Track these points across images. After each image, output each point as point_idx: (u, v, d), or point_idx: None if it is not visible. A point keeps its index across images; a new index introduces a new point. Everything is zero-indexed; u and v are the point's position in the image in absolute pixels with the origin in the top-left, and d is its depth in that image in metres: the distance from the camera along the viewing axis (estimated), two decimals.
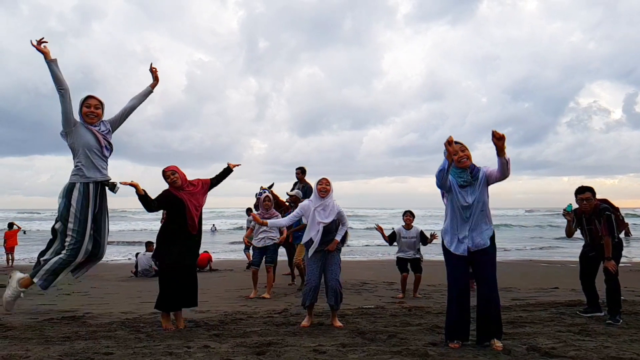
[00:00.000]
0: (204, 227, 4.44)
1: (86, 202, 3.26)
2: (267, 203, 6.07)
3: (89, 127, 3.35)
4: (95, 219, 3.37)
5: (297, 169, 7.60)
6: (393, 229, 6.44)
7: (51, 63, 3.22)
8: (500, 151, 3.15)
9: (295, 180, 7.66)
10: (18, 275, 3.32)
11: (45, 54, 3.26)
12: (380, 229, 6.12)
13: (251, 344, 3.44)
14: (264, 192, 6.85)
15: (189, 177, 4.28)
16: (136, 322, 4.33)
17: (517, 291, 6.64)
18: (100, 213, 3.43)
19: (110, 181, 3.49)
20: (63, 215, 3.30)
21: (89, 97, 3.42)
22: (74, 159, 3.38)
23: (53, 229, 3.51)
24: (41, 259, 3.33)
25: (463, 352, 3.20)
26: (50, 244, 3.49)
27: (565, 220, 4.74)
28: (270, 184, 7.22)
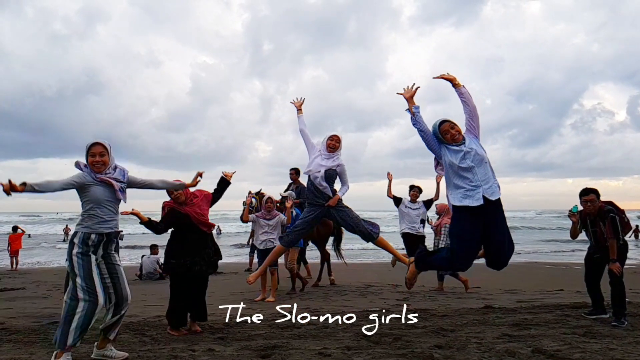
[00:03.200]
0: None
1: (86, 253, 3.06)
2: (269, 205, 6.08)
3: (98, 177, 3.11)
4: (107, 267, 3.16)
5: (291, 169, 7.60)
6: (401, 197, 6.50)
7: (27, 191, 2.93)
8: (454, 82, 3.40)
9: (290, 181, 7.66)
10: None
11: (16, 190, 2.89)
12: (390, 178, 6.17)
13: (256, 347, 3.44)
14: (253, 199, 6.86)
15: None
16: (140, 326, 4.34)
17: (522, 293, 6.62)
18: (110, 260, 3.20)
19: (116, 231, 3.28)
20: (70, 270, 3.10)
21: (93, 144, 3.16)
22: (82, 206, 3.15)
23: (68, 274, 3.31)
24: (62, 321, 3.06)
25: (468, 355, 3.19)
26: (67, 284, 3.30)
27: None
28: (258, 189, 7.25)
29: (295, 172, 7.50)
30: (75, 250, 3.06)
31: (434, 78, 3.45)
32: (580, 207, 4.67)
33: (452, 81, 3.43)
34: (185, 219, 4.07)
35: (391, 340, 3.62)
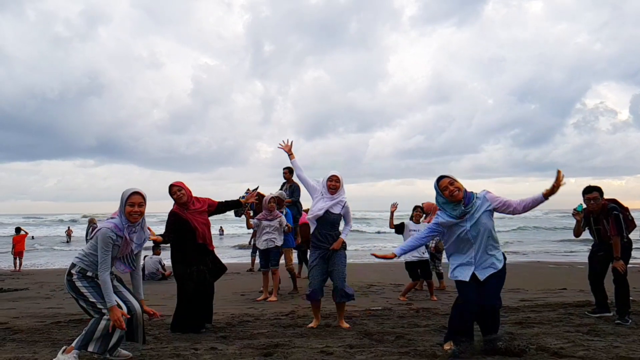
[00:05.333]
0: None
1: (89, 277, 3.05)
2: (271, 205, 6.08)
3: (124, 235, 3.07)
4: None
5: (284, 168, 7.53)
6: (403, 221, 6.40)
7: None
8: (552, 193, 3.06)
9: (284, 180, 7.62)
10: (59, 354, 3.03)
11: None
12: (393, 210, 6.07)
13: (258, 345, 3.44)
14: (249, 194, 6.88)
15: (197, 183, 4.32)
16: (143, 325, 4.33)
17: (525, 292, 6.60)
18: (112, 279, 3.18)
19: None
20: (79, 298, 3.06)
21: (133, 194, 3.09)
22: (90, 247, 3.09)
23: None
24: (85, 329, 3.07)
25: (471, 352, 3.17)
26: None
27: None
28: (256, 186, 7.26)
29: (288, 171, 7.44)
30: (75, 277, 3.05)
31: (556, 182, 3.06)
32: (584, 206, 4.65)
33: (553, 192, 3.09)
34: (185, 225, 4.10)
35: (394, 338, 3.62)
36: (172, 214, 4.20)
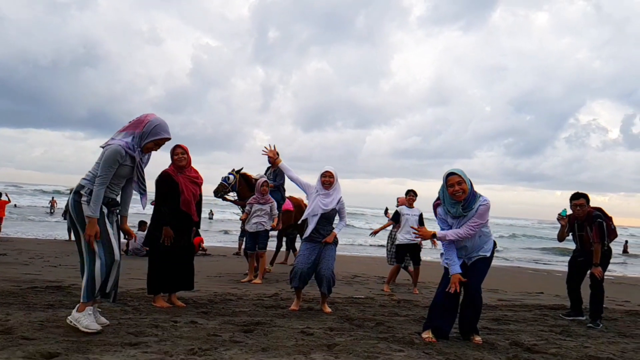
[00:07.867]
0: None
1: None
2: (264, 188, 6.08)
3: (135, 159, 3.00)
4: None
5: None
6: (396, 209, 6.52)
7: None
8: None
9: (268, 164, 7.58)
10: (73, 312, 2.96)
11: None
12: (375, 232, 6.59)
13: (239, 322, 3.46)
14: (232, 175, 6.98)
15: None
16: (123, 296, 4.30)
17: (504, 293, 6.73)
18: (112, 219, 3.09)
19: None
20: (77, 219, 2.94)
21: (165, 139, 3.10)
22: (94, 167, 2.98)
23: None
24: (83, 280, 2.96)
25: (448, 343, 3.24)
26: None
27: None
28: (240, 168, 7.25)
29: None
30: (85, 199, 2.90)
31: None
32: (569, 212, 4.75)
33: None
34: (174, 188, 4.02)
35: (373, 324, 3.67)
36: (164, 173, 4.06)
